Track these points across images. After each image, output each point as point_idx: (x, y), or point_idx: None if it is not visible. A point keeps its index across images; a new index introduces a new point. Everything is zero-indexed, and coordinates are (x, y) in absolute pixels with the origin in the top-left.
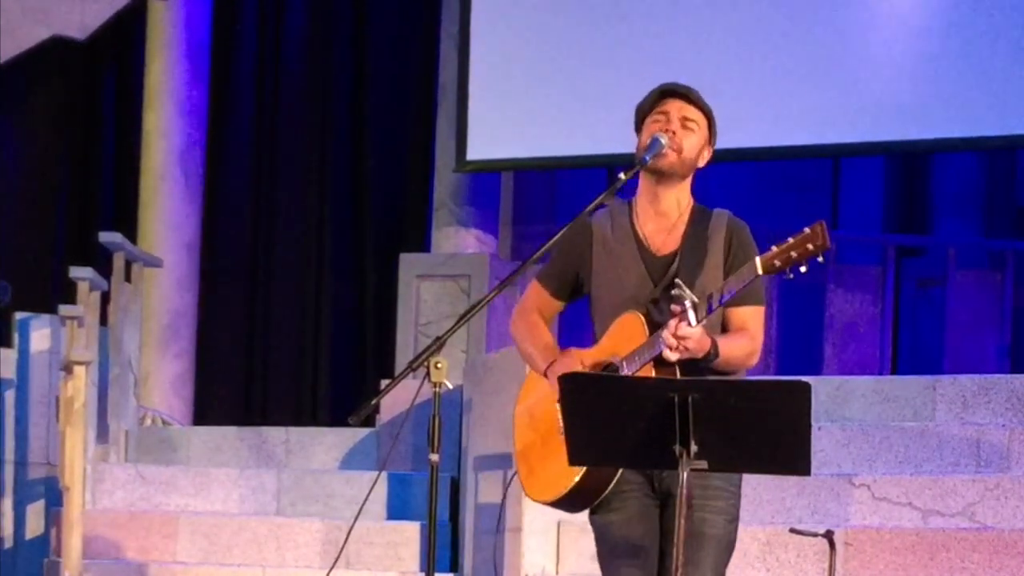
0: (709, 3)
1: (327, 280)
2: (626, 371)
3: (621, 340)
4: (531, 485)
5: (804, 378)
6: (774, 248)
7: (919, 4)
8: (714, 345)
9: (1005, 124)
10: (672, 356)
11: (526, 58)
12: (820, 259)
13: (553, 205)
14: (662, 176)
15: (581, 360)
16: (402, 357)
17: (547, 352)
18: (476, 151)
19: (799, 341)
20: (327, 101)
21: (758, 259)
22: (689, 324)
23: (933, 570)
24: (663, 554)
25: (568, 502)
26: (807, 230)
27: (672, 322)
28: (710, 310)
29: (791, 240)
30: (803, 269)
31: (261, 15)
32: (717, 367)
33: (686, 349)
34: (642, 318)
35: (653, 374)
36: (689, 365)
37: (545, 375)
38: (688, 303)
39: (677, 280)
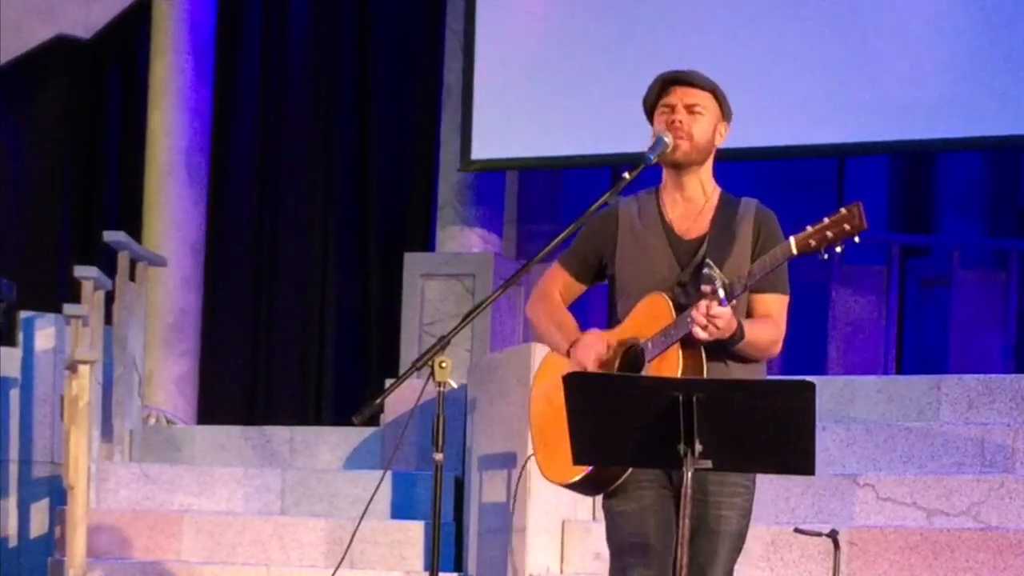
0: (714, 3)
1: (331, 279)
2: (652, 352)
3: (646, 321)
4: (548, 467)
5: (809, 378)
6: (809, 228)
7: (924, 4)
8: (740, 327)
9: (1010, 124)
10: (702, 335)
11: (531, 57)
12: (856, 239)
13: (557, 204)
14: (680, 166)
15: (607, 340)
16: (406, 356)
17: (569, 332)
18: (481, 150)
19: (803, 341)
20: (331, 100)
21: (792, 239)
22: (720, 303)
23: (937, 570)
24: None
25: (585, 485)
26: (843, 211)
27: (703, 301)
28: (742, 289)
29: (827, 220)
30: (838, 250)
31: (265, 14)
32: (741, 351)
33: (716, 328)
34: (668, 299)
35: (680, 354)
36: (715, 347)
37: (568, 355)
38: (719, 283)
39: (708, 260)
